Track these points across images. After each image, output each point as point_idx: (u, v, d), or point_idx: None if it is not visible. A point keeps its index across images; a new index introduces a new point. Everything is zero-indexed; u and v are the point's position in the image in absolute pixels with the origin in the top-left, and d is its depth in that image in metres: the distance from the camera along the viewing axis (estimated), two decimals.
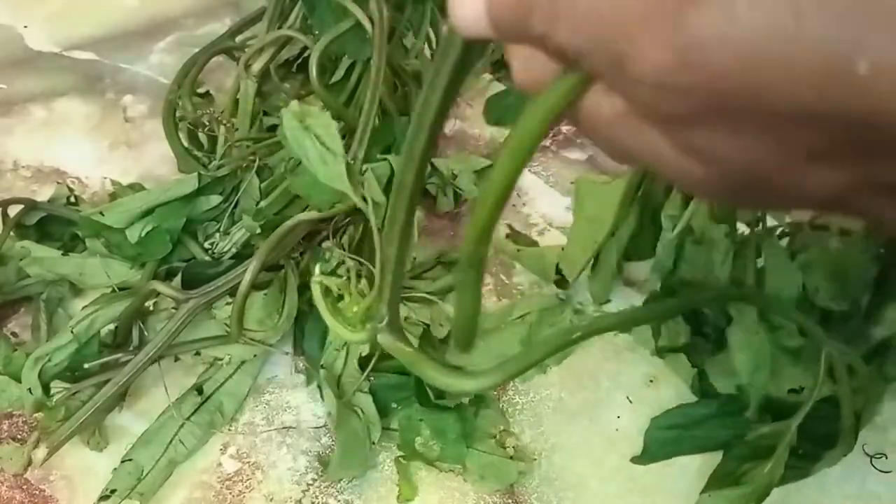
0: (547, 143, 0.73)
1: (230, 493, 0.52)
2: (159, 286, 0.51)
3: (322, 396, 0.55)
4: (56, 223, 0.60)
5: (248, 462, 0.53)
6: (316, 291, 0.44)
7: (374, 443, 0.52)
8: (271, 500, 0.51)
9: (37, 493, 0.51)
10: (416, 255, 0.63)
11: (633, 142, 0.23)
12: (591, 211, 0.56)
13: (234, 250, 0.56)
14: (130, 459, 0.52)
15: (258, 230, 0.55)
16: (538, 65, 0.23)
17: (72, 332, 0.50)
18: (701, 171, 0.21)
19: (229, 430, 0.54)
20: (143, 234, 0.54)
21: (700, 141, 0.20)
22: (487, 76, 0.79)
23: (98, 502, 0.50)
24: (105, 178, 0.68)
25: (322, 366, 0.54)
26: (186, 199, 0.55)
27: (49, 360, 0.51)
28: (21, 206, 0.60)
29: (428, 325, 0.55)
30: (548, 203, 0.68)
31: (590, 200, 0.56)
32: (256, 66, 0.62)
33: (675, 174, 0.22)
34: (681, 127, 0.21)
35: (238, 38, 0.73)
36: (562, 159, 0.72)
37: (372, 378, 0.54)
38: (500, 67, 0.79)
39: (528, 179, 0.70)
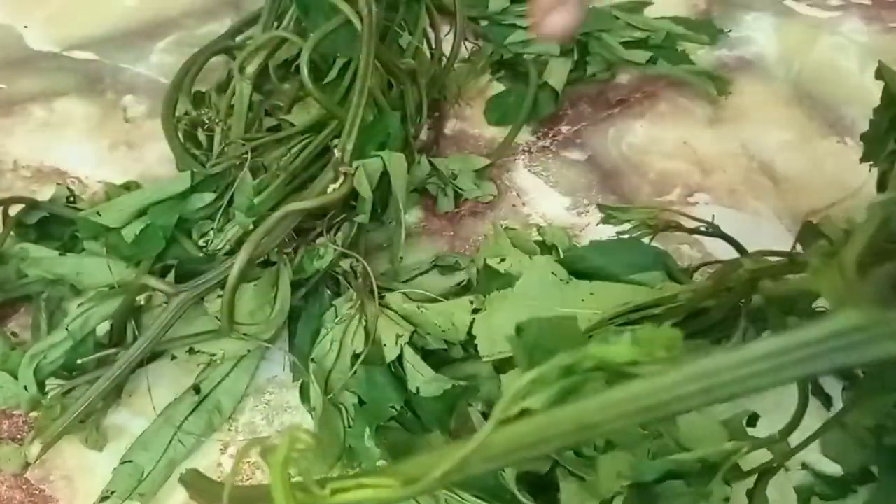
0: (547, 143, 0.73)
1: None
2: (150, 280, 0.51)
3: (305, 394, 0.54)
4: (56, 223, 0.60)
5: (248, 462, 0.53)
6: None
7: (349, 447, 0.51)
8: None
9: (37, 493, 0.51)
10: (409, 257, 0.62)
11: None
12: (533, 296, 0.49)
13: (227, 247, 0.56)
14: (130, 461, 0.51)
15: (251, 226, 0.55)
16: None
17: (66, 329, 0.50)
18: None
19: (229, 430, 0.54)
20: (137, 233, 0.54)
21: None
22: (487, 76, 0.79)
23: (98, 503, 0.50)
24: (99, 182, 0.68)
25: (312, 359, 0.53)
26: (180, 197, 0.55)
27: (45, 358, 0.51)
28: (21, 206, 0.60)
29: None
30: (548, 203, 0.68)
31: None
32: (251, 68, 0.62)
33: None
34: None
35: (238, 38, 0.74)
36: (562, 159, 0.72)
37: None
38: (500, 67, 0.79)
39: (528, 179, 0.70)
